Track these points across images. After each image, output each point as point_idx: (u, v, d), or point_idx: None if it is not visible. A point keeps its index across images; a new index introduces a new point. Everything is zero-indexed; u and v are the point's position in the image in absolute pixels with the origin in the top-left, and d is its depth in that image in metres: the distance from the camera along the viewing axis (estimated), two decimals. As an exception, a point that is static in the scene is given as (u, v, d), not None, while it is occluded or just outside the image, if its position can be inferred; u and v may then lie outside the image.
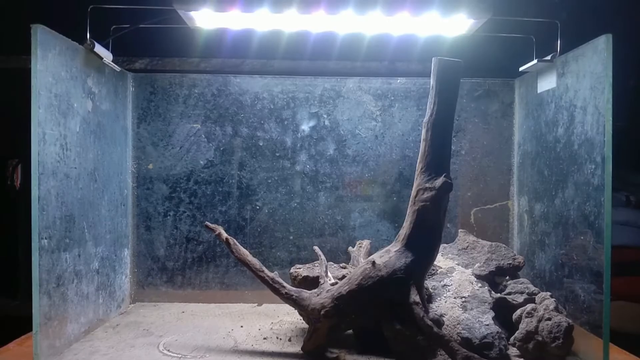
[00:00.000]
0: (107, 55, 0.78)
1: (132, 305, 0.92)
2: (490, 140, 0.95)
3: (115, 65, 0.84)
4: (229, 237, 0.70)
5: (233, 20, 0.75)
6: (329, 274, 0.72)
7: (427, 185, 0.64)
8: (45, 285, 0.62)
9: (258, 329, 0.77)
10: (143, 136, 0.93)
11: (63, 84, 0.67)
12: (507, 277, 0.77)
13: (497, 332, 0.65)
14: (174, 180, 0.94)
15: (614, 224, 0.64)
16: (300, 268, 0.78)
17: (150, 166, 0.93)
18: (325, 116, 0.94)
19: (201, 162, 0.94)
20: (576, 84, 0.71)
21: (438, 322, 0.65)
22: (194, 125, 0.93)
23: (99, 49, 0.74)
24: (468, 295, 0.71)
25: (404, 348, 0.64)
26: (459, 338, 0.65)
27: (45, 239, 0.62)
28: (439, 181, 0.63)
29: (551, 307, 0.66)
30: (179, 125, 0.93)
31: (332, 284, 0.68)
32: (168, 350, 0.68)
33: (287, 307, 0.71)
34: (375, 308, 0.64)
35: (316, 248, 0.76)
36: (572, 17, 0.80)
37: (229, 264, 0.93)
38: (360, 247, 0.83)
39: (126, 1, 0.75)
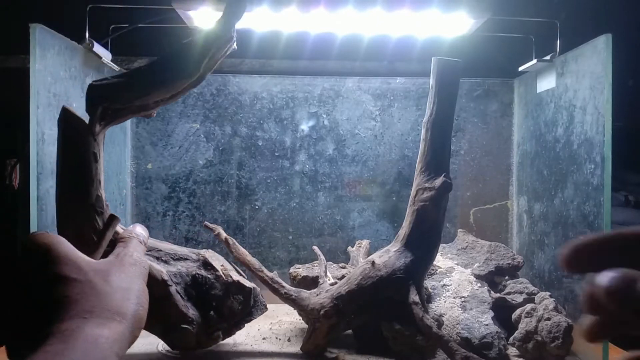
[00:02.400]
0: (106, 55, 0.77)
1: (131, 305, 0.92)
2: (490, 140, 0.95)
3: (115, 65, 0.83)
4: (228, 236, 0.70)
5: (232, 20, 0.75)
6: (328, 273, 0.72)
7: (426, 185, 0.64)
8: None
9: (257, 329, 0.77)
10: (142, 136, 0.93)
11: (62, 84, 0.66)
12: (507, 277, 0.77)
13: (497, 332, 0.65)
14: (173, 180, 0.93)
15: (613, 224, 0.64)
16: (299, 268, 0.77)
17: (149, 166, 0.93)
18: (324, 116, 0.94)
19: (200, 162, 0.93)
20: (575, 84, 0.71)
21: (437, 322, 0.65)
22: (193, 125, 0.93)
23: (97, 48, 0.74)
24: (467, 295, 0.71)
25: (403, 348, 0.64)
26: (458, 338, 0.65)
27: (44, 239, 0.62)
28: (439, 181, 0.63)
29: (550, 307, 0.66)
30: (178, 124, 0.93)
31: (332, 284, 0.68)
32: (167, 351, 0.68)
33: (286, 307, 0.71)
34: (375, 308, 0.64)
35: (315, 248, 0.76)
36: (571, 17, 0.80)
37: (228, 264, 0.93)
38: (360, 247, 0.83)
39: (125, 1, 0.74)
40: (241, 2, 0.52)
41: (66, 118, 0.52)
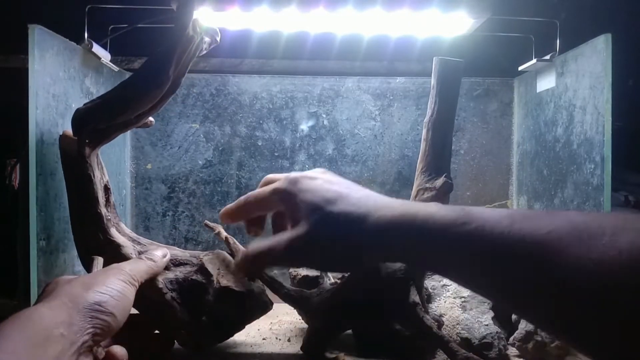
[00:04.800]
0: (105, 55, 0.77)
1: (131, 305, 0.92)
2: (490, 139, 0.95)
3: (114, 65, 0.83)
4: (228, 236, 0.70)
5: (232, 20, 0.75)
6: (328, 273, 0.72)
7: (427, 185, 0.64)
8: (44, 287, 0.61)
9: (257, 329, 0.77)
10: (141, 136, 0.93)
11: (61, 84, 0.66)
12: (507, 277, 0.77)
13: (497, 332, 0.65)
14: (173, 180, 0.93)
15: (613, 224, 0.64)
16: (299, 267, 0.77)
17: (149, 166, 0.93)
18: (324, 116, 0.94)
19: (200, 162, 0.93)
20: (575, 84, 0.71)
21: (438, 322, 0.65)
22: (193, 125, 0.93)
23: (97, 48, 0.74)
24: (467, 295, 0.71)
25: (403, 348, 0.64)
26: (458, 338, 0.65)
27: (44, 239, 0.62)
28: (440, 181, 0.63)
29: (551, 307, 0.66)
30: (178, 125, 0.93)
31: (332, 284, 0.68)
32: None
33: (286, 307, 0.71)
34: (375, 308, 0.64)
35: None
36: (571, 17, 0.80)
37: (228, 264, 0.93)
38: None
39: (124, 1, 0.74)
40: (188, 2, 0.53)
41: (62, 146, 0.56)
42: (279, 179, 0.53)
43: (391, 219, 0.42)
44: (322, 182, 0.50)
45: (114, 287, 0.44)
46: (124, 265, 0.49)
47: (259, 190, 0.54)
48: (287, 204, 0.51)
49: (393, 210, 0.43)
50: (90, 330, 0.40)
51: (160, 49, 0.54)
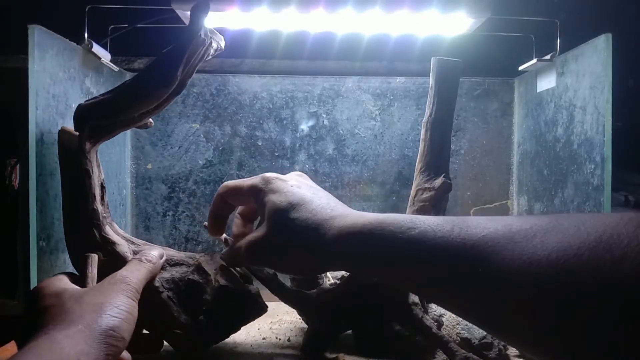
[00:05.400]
0: (105, 55, 0.77)
1: (131, 305, 0.92)
2: (490, 139, 0.95)
3: (114, 65, 0.83)
4: (227, 236, 0.70)
5: (232, 20, 0.75)
6: (328, 274, 0.72)
7: (426, 185, 0.64)
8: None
9: (257, 329, 0.77)
10: (142, 136, 0.93)
11: (61, 85, 0.66)
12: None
13: (497, 332, 0.65)
14: (173, 180, 0.93)
15: (613, 224, 0.64)
16: (299, 268, 0.77)
17: (149, 166, 0.93)
18: (324, 115, 0.94)
19: (200, 162, 0.93)
20: (576, 84, 0.71)
21: (437, 322, 0.65)
22: (193, 125, 0.93)
23: (97, 49, 0.74)
24: (467, 295, 0.71)
25: (403, 348, 0.64)
26: (458, 338, 0.65)
27: (44, 240, 0.62)
28: (438, 181, 0.63)
29: (550, 307, 0.66)
30: (178, 125, 0.93)
31: (332, 285, 0.68)
32: (166, 352, 0.68)
33: (286, 306, 0.71)
34: (375, 309, 0.64)
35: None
36: (571, 17, 0.80)
37: (228, 264, 0.93)
38: (360, 246, 0.83)
39: (124, 1, 0.74)
40: (203, 5, 0.54)
41: (61, 141, 0.56)
42: (240, 185, 0.55)
43: (343, 228, 0.44)
44: (290, 185, 0.52)
45: (123, 309, 0.44)
46: (129, 276, 0.48)
47: (238, 181, 0.56)
48: (258, 202, 0.53)
49: (345, 220, 0.45)
50: (104, 358, 0.41)
51: (171, 48, 0.54)
